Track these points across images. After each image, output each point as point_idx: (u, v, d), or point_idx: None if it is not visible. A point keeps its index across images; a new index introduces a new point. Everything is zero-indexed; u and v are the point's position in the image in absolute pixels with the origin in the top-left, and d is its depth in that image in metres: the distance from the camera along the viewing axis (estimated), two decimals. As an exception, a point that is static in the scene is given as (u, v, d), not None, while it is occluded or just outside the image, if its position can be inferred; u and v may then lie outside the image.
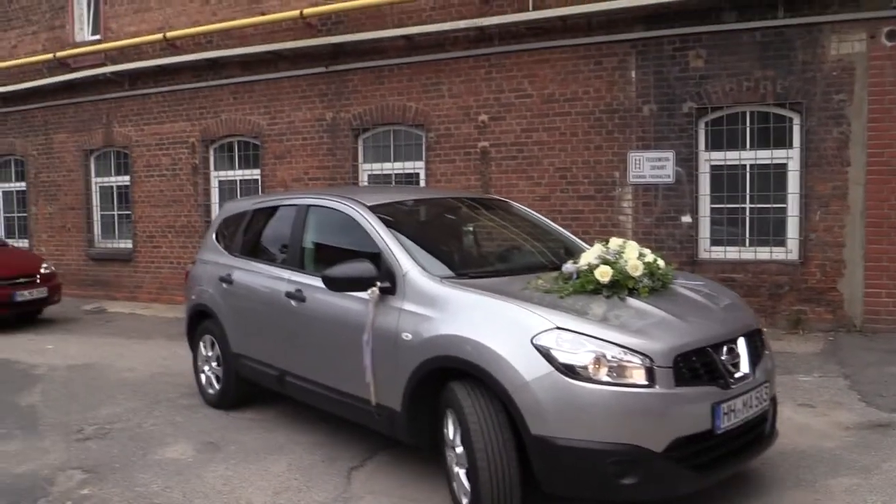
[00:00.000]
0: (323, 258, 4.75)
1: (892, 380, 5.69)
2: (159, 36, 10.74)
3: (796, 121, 7.61)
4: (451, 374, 3.55)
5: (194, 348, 5.96)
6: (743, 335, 3.58)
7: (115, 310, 11.00)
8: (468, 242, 5.20)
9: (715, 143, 8.00)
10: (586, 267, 3.72)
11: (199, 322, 5.84)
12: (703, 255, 7.95)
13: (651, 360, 3.16)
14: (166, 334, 8.83)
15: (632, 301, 3.59)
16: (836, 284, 7.43)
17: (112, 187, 12.27)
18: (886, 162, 7.17)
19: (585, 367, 3.14)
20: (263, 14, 10.05)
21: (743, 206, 7.91)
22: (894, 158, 7.14)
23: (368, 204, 4.50)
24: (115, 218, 12.30)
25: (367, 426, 4.24)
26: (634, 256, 3.72)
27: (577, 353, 3.17)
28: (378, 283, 3.92)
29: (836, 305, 7.43)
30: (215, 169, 11.13)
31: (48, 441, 4.97)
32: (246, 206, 5.88)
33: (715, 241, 8.04)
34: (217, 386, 5.64)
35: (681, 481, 3.22)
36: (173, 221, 11.34)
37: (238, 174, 10.96)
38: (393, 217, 4.48)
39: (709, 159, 8.01)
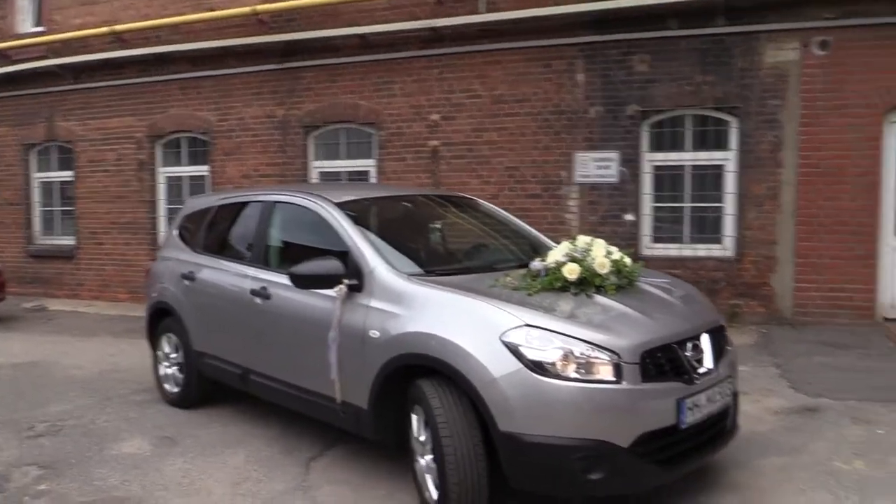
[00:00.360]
0: (289, 255, 4.69)
1: (820, 368, 6.05)
2: (106, 29, 10.50)
3: (734, 124, 7.98)
4: (419, 372, 3.54)
5: (155, 347, 5.82)
6: (707, 331, 3.63)
7: (57, 308, 10.75)
8: (436, 240, 5.17)
9: (657, 145, 8.34)
10: (554, 264, 3.75)
11: (160, 320, 5.72)
12: (646, 251, 8.23)
13: (618, 356, 3.19)
14: (111, 332, 8.72)
15: (599, 298, 3.62)
16: (768, 280, 7.82)
17: (54, 183, 11.97)
18: (816, 164, 7.57)
19: (554, 364, 3.16)
20: (213, 10, 9.95)
21: (683, 205, 8.27)
22: (824, 161, 7.55)
23: (336, 201, 4.45)
24: (57, 214, 12.00)
25: (332, 424, 4.24)
26: (602, 254, 3.77)
27: (545, 349, 3.18)
28: (345, 281, 3.89)
29: (769, 299, 7.82)
30: (162, 165, 10.98)
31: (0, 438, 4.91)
32: (210, 202, 5.75)
33: (657, 239, 8.37)
34: (179, 385, 5.52)
35: (645, 476, 3.26)
36: (118, 218, 11.13)
37: (186, 170, 10.83)
38: (360, 214, 4.47)
39: (651, 160, 8.33)
